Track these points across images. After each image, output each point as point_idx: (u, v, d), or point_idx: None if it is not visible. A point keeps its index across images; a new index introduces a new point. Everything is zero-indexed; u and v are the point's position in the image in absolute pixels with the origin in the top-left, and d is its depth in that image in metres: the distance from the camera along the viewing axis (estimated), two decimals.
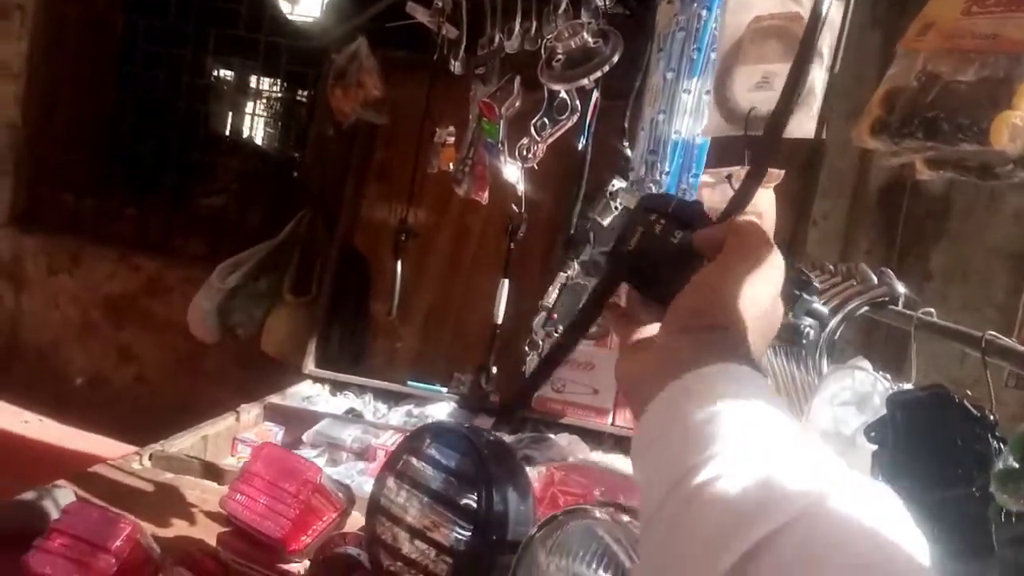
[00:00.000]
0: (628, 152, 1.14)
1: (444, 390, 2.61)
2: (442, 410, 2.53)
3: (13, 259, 3.43)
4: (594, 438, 2.45)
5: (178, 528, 1.40)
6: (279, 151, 3.65)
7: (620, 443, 2.47)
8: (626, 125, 1.16)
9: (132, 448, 2.89)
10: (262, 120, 3.89)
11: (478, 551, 0.79)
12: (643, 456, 0.48)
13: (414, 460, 0.90)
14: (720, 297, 0.51)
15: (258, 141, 3.90)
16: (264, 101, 3.79)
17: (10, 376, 3.46)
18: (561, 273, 1.24)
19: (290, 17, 3.48)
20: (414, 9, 1.86)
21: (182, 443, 1.92)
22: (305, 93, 3.57)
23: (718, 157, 1.04)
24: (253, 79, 3.56)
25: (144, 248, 3.39)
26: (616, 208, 1.05)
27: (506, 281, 1.49)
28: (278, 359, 2.92)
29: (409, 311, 2.72)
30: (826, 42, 0.90)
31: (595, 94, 1.23)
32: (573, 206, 1.26)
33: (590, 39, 1.15)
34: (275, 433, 2.26)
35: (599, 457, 2.35)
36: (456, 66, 1.75)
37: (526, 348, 1.25)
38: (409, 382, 2.63)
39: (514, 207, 1.44)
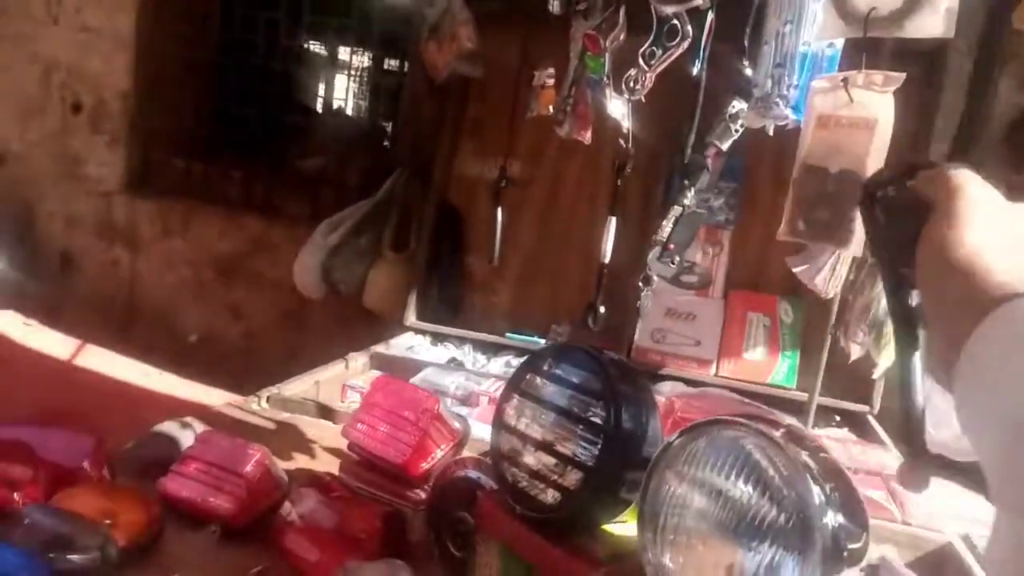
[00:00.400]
0: (748, 71, 1.09)
1: (542, 341, 2.62)
2: None
3: (128, 223, 3.62)
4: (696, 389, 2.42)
5: (299, 462, 1.46)
6: (373, 111, 3.70)
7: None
8: (746, 43, 1.11)
9: (241, 398, 3.08)
10: (356, 82, 3.95)
11: (608, 463, 0.79)
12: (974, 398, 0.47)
13: (538, 379, 0.90)
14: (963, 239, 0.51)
15: (353, 102, 3.96)
16: (358, 63, 3.84)
17: (130, 336, 3.68)
18: (675, 206, 1.21)
19: None
20: None
21: (296, 388, 2.00)
22: (398, 53, 3.60)
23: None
24: (347, 40, 3.60)
25: (249, 209, 3.51)
26: (736, 131, 1.01)
27: (613, 219, 1.47)
28: (379, 313, 3.00)
29: (505, 264, 2.73)
30: None
31: (710, 15, 1.19)
32: (687, 134, 1.23)
33: None
34: None
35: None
36: (555, 5, 1.72)
37: (640, 284, 1.23)
38: (507, 334, 2.65)
39: (621, 142, 1.42)
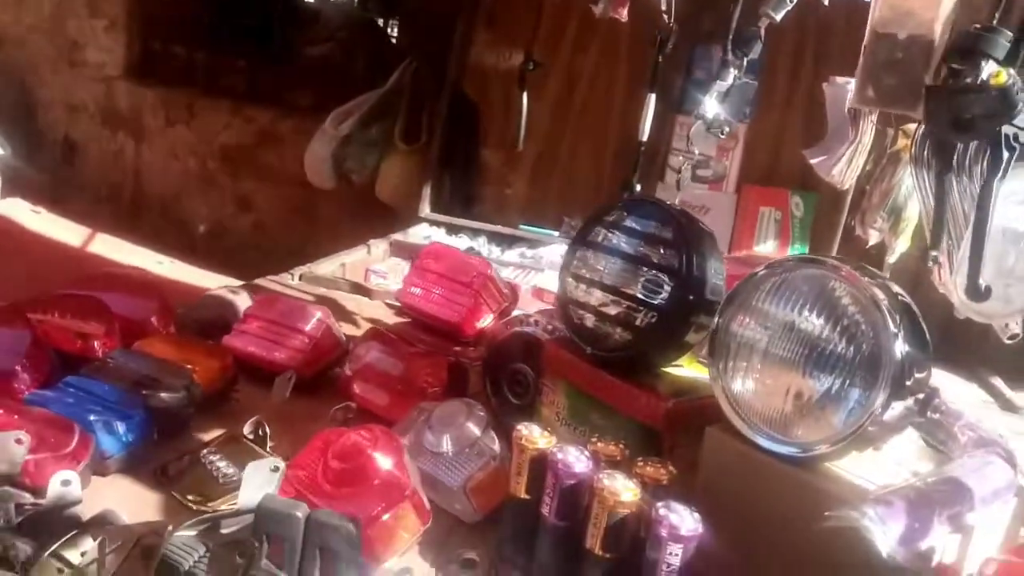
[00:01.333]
0: None
1: (555, 233, 2.66)
2: (555, 251, 2.59)
3: (132, 110, 3.57)
4: None
5: (346, 329, 1.52)
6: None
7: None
8: None
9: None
10: None
11: (679, 305, 0.85)
12: None
13: (605, 231, 0.95)
14: None
15: None
16: None
17: (138, 225, 3.68)
18: (720, 82, 1.23)
19: None
20: None
21: (326, 267, 2.05)
22: None
23: None
24: None
25: (255, 100, 3.46)
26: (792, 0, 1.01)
27: (653, 96, 1.49)
28: (392, 205, 3.02)
29: (519, 156, 2.74)
30: None
31: None
32: (734, 4, 1.23)
33: None
34: (403, 267, 2.37)
35: None
36: None
37: (681, 158, 1.26)
38: (521, 226, 2.69)
39: (664, 16, 1.41)
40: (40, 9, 3.60)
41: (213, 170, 3.54)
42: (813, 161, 2.21)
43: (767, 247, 2.57)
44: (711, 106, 1.24)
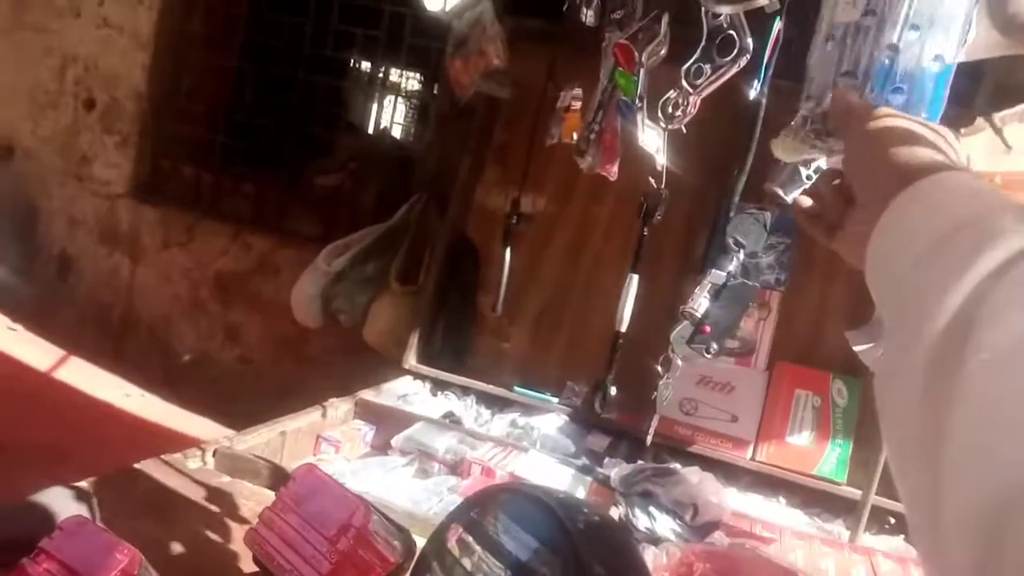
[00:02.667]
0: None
1: (555, 400, 2.30)
2: (550, 423, 2.22)
3: (131, 230, 3.41)
4: (729, 473, 2.08)
5: (205, 553, 1.16)
6: (398, 130, 3.45)
7: (761, 482, 2.08)
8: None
9: (224, 430, 2.81)
10: (382, 97, 3.71)
11: None
12: (884, 253, 0.52)
13: (470, 537, 0.59)
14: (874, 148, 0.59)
15: (377, 119, 3.72)
16: (385, 77, 3.60)
17: (124, 348, 3.46)
18: (716, 271, 0.90)
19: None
20: None
21: (256, 439, 1.71)
22: (426, 71, 3.36)
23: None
24: (374, 53, 3.37)
25: (258, 226, 3.28)
26: (809, 178, 0.70)
27: (635, 277, 1.16)
28: (379, 350, 2.72)
29: (519, 308, 2.44)
30: None
31: (777, 22, 0.89)
32: (737, 178, 0.93)
33: None
34: (364, 433, 2.03)
35: (734, 496, 1.98)
36: (588, 15, 1.44)
37: (658, 368, 0.92)
38: (516, 388, 2.34)
39: (652, 181, 1.11)
40: (57, 122, 3.54)
41: (205, 297, 3.32)
42: (857, 348, 1.83)
43: (803, 438, 2.15)
44: (701, 305, 0.90)
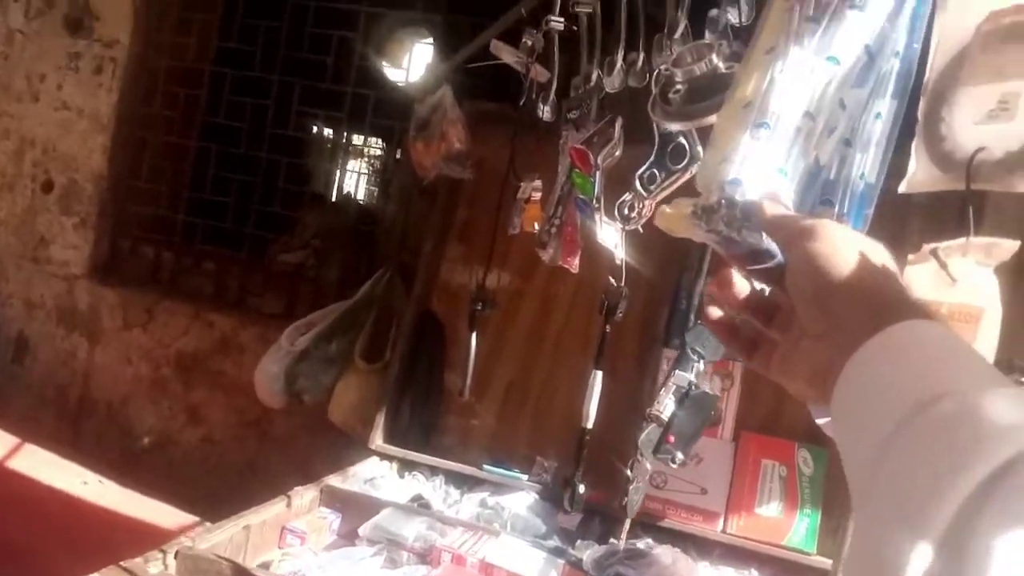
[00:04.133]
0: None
1: (524, 477, 2.29)
2: (521, 501, 2.21)
3: (90, 311, 3.36)
4: (700, 547, 2.07)
5: None
6: (362, 207, 3.49)
7: (732, 554, 2.08)
8: None
9: (186, 517, 2.74)
10: (346, 175, 3.75)
11: None
12: (855, 406, 0.51)
13: None
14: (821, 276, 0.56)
15: (341, 196, 3.75)
16: (349, 155, 3.65)
17: (82, 432, 3.37)
18: (680, 372, 0.92)
19: (388, 73, 3.36)
20: (499, 49, 1.62)
21: (219, 536, 1.67)
22: (390, 147, 3.41)
23: (923, 218, 0.72)
24: (338, 133, 3.42)
25: (220, 305, 3.26)
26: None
27: (599, 374, 1.18)
28: (345, 430, 2.69)
29: (486, 385, 2.44)
30: None
31: None
32: (693, 283, 0.96)
33: (721, 63, 0.85)
34: (330, 522, 2.00)
35: (706, 571, 1.98)
36: (545, 111, 1.50)
37: (627, 472, 0.93)
38: (485, 466, 2.33)
39: (611, 280, 1.14)
40: (14, 204, 3.50)
41: (166, 377, 3.26)
42: (820, 421, 1.86)
43: (771, 509, 2.16)
44: (666, 406, 0.92)
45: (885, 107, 0.65)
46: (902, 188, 0.66)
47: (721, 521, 2.15)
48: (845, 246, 0.57)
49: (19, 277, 3.48)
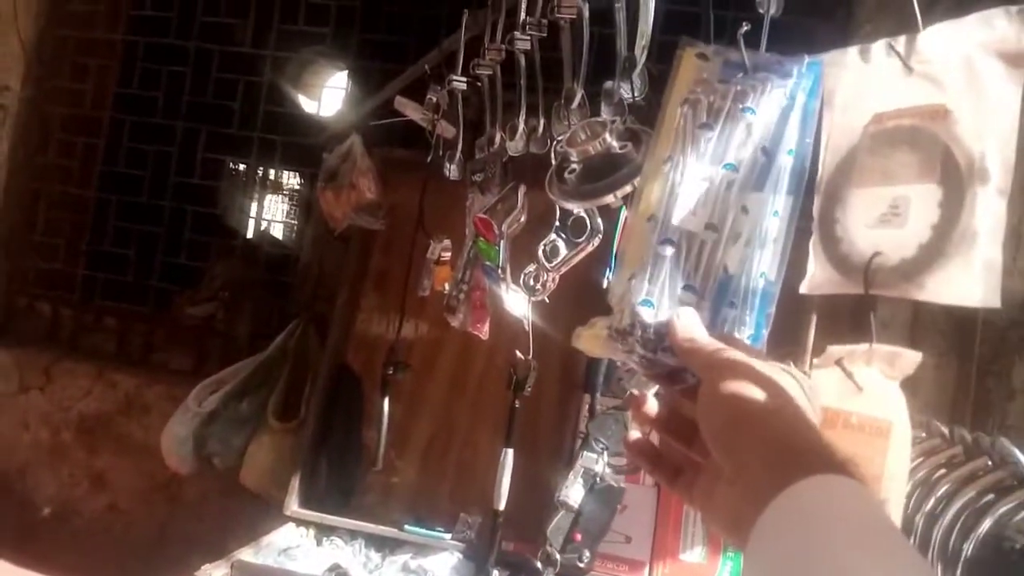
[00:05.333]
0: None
1: (447, 536, 2.22)
2: (445, 562, 2.14)
3: None
4: None
5: None
6: (273, 255, 3.38)
7: None
8: None
9: None
10: (254, 222, 3.64)
11: None
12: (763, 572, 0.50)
13: None
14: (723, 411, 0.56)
15: (251, 244, 3.63)
16: (258, 203, 3.55)
17: None
18: (588, 454, 0.89)
19: (307, 112, 3.29)
20: (403, 105, 1.59)
21: None
22: (301, 192, 3.32)
23: (824, 316, 0.71)
24: (246, 179, 3.32)
25: (123, 363, 3.09)
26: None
27: (510, 452, 1.14)
28: (259, 493, 2.57)
29: (407, 442, 2.38)
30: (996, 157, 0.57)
31: (624, 212, 0.91)
32: (597, 365, 0.93)
33: (615, 142, 0.83)
34: None
35: None
36: (452, 170, 1.46)
37: (538, 564, 0.89)
38: (406, 526, 2.25)
39: (519, 354, 1.11)
40: None
41: (67, 442, 3.07)
42: None
43: (695, 554, 2.16)
44: (575, 493, 0.88)
45: (781, 204, 0.64)
46: (802, 289, 0.65)
47: (646, 570, 2.13)
48: (755, 386, 0.55)
49: None
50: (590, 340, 0.67)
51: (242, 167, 3.23)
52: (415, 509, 2.34)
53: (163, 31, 3.17)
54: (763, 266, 0.67)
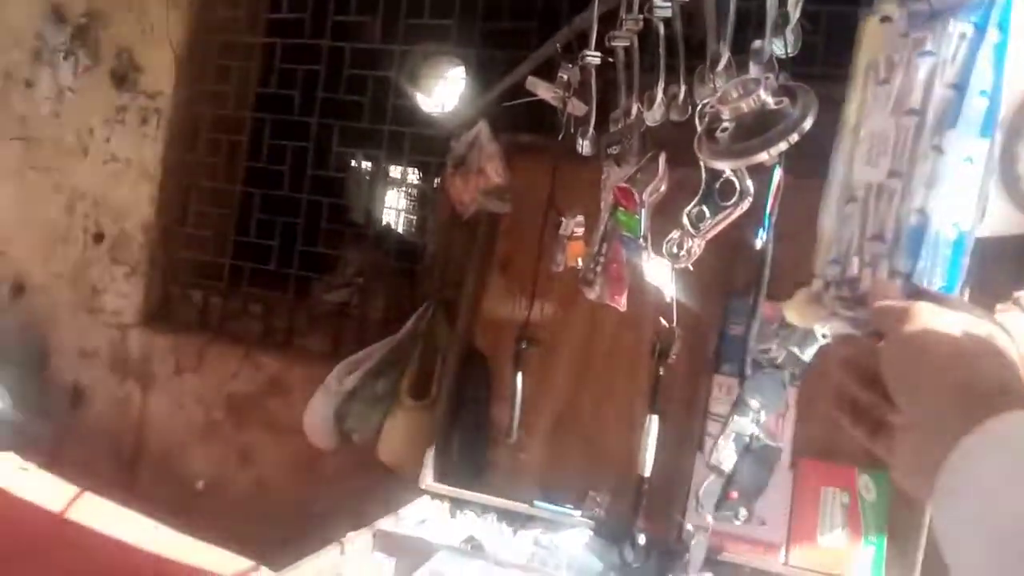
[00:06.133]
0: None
1: (577, 513, 2.25)
2: (575, 539, 2.17)
3: (143, 359, 3.42)
4: None
5: None
6: (403, 243, 3.51)
7: None
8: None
9: (242, 562, 2.74)
10: (386, 212, 3.78)
11: None
12: (955, 513, 0.48)
13: None
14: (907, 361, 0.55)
15: (382, 233, 3.78)
16: (388, 192, 3.68)
17: (135, 478, 3.42)
18: (739, 418, 0.89)
19: (426, 109, 3.39)
20: (535, 84, 1.62)
21: None
22: (429, 182, 3.43)
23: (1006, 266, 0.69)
24: (377, 171, 3.45)
25: (267, 346, 3.29)
26: (825, 336, 0.70)
27: (655, 419, 1.15)
28: (394, 469, 2.68)
29: (536, 420, 2.41)
30: None
31: (777, 172, 0.90)
32: (749, 326, 0.93)
33: (769, 98, 0.83)
34: (384, 568, 1.98)
35: None
36: (584, 146, 1.48)
37: (688, 528, 0.89)
38: (536, 502, 2.29)
39: (663, 321, 1.12)
40: (67, 257, 3.60)
41: (218, 421, 3.30)
42: None
43: (834, 538, 2.10)
44: (726, 455, 0.89)
45: (974, 148, 0.63)
46: (980, 232, 0.63)
47: (782, 552, 2.09)
48: (937, 330, 0.54)
49: (74, 327, 3.56)
50: (797, 310, 0.68)
51: (371, 160, 3.35)
52: (544, 486, 2.38)
53: (298, 32, 3.34)
54: (955, 215, 0.65)
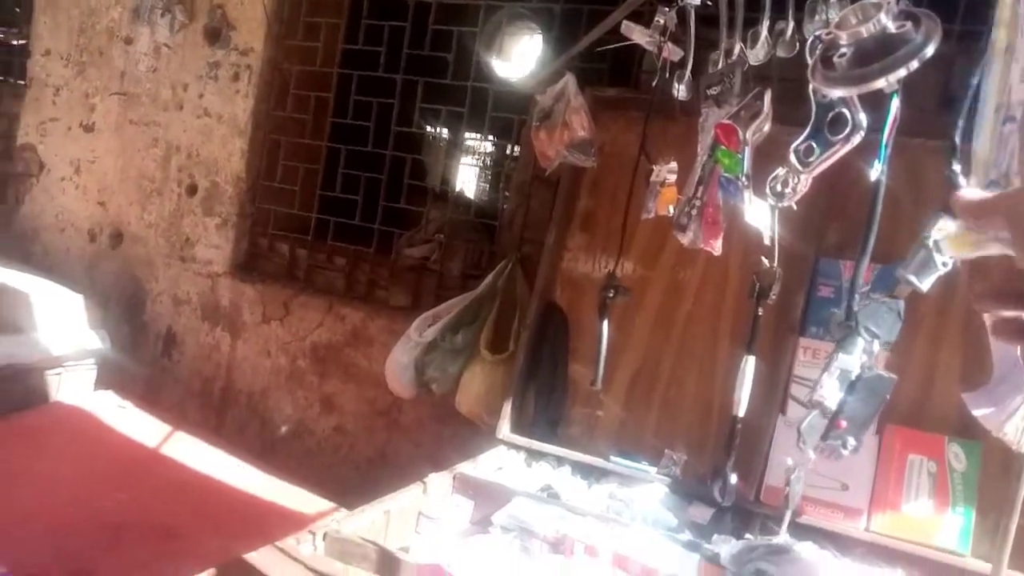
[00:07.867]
0: (963, 180, 0.75)
1: (652, 469, 2.25)
2: (650, 494, 2.17)
3: (232, 307, 3.56)
4: (841, 544, 1.98)
5: None
6: (484, 199, 3.53)
7: (876, 553, 1.98)
8: (957, 139, 0.77)
9: (322, 503, 2.85)
10: (468, 168, 3.80)
11: None
12: None
13: None
14: None
15: (463, 190, 3.80)
16: (470, 149, 3.70)
17: (224, 421, 3.58)
18: (843, 355, 0.87)
19: (503, 75, 3.39)
20: (630, 29, 1.59)
21: (361, 519, 1.73)
22: (510, 140, 3.43)
23: None
24: (459, 127, 3.47)
25: (350, 298, 3.37)
26: (944, 265, 0.67)
27: (751, 359, 1.14)
28: (472, 419, 2.73)
29: (614, 375, 2.41)
30: None
31: (894, 102, 0.87)
32: (859, 260, 0.90)
33: (890, 23, 0.80)
34: (463, 509, 2.03)
35: (851, 570, 1.89)
36: (681, 90, 1.46)
37: (788, 462, 0.89)
38: (612, 457, 2.31)
39: (764, 260, 1.10)
40: (162, 207, 3.75)
41: (302, 369, 3.41)
42: (978, 413, 1.75)
43: (919, 506, 2.04)
44: (830, 391, 0.87)
45: None
46: None
47: (864, 518, 2.05)
48: None
49: (168, 275, 3.72)
50: (957, 243, 0.65)
51: (454, 117, 3.37)
52: (619, 443, 2.39)
53: None
54: None
